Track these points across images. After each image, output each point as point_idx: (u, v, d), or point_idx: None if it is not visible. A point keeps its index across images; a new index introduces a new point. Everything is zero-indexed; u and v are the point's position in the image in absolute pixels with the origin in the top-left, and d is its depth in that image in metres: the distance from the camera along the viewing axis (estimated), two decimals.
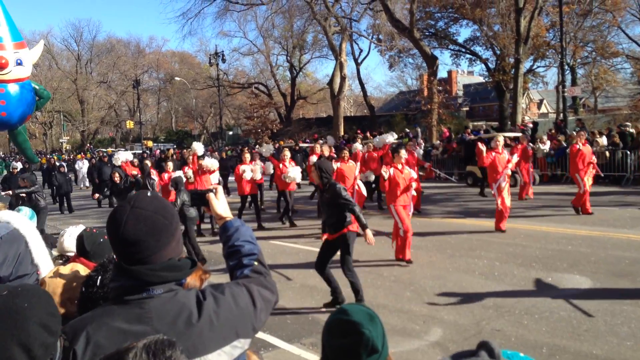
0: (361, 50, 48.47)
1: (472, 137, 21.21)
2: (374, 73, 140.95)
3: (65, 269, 3.14)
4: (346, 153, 12.10)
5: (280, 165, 13.66)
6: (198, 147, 12.76)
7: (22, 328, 1.46)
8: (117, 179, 12.26)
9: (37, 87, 20.95)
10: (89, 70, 71.00)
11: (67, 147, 63.38)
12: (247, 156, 13.75)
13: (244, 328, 1.78)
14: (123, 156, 15.93)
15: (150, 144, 50.76)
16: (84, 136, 69.28)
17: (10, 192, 12.42)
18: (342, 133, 36.18)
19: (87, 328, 1.63)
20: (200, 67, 63.85)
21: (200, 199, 2.23)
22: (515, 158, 11.98)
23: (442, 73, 47.71)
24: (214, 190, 2.23)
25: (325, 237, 7.33)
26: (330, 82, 39.00)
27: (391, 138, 14.39)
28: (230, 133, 59.16)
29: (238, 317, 1.76)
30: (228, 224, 2.11)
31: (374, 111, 48.86)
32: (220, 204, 2.20)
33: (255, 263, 1.99)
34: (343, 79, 37.24)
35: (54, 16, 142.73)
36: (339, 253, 6.79)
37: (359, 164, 12.89)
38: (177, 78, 60.72)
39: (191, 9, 41.28)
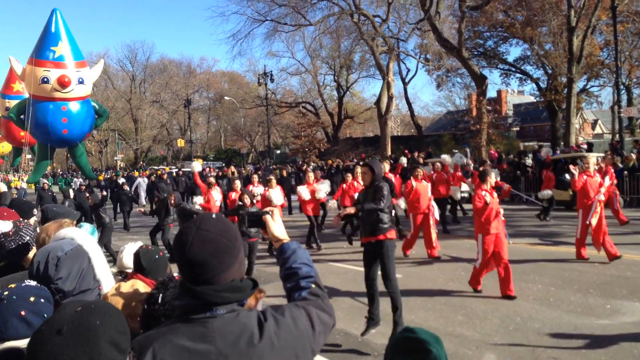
0: (408, 70, 48.42)
1: (548, 156, 19.17)
2: (421, 92, 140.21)
3: (126, 286, 3.22)
4: (420, 172, 11.52)
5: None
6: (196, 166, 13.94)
7: (94, 345, 1.50)
8: (172, 201, 12.08)
9: (96, 105, 21.45)
10: (142, 90, 73.23)
11: (122, 165, 65.21)
12: (311, 175, 13.51)
13: (303, 350, 1.80)
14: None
15: (200, 161, 51.70)
16: (137, 154, 71.20)
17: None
18: (389, 153, 36.06)
19: (154, 344, 1.68)
20: (249, 87, 64.99)
21: (257, 220, 2.25)
22: (608, 181, 10.64)
23: (491, 92, 47.19)
24: (271, 212, 2.25)
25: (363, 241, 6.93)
26: (378, 102, 39.02)
27: (462, 159, 14.00)
28: (278, 152, 59.79)
29: (297, 339, 1.79)
30: (285, 246, 2.13)
31: (421, 131, 48.59)
32: (277, 226, 2.21)
33: (313, 285, 2.00)
34: (390, 98, 37.21)
35: (111, 38, 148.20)
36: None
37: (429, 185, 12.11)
38: (226, 97, 61.88)
39: (241, 30, 42.33)
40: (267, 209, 2.27)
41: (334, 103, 57.06)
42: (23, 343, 2.06)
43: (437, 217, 11.71)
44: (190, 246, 1.73)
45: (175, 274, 2.43)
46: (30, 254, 3.37)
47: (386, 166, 13.43)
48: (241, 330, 1.72)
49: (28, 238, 3.34)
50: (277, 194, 12.43)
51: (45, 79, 19.05)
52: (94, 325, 1.52)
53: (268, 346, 1.71)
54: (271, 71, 45.53)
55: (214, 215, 1.85)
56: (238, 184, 12.75)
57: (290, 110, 59.05)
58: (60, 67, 19.33)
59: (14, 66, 19.96)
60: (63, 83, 18.91)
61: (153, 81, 73.07)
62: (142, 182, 30.09)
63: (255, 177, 13.63)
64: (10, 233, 3.25)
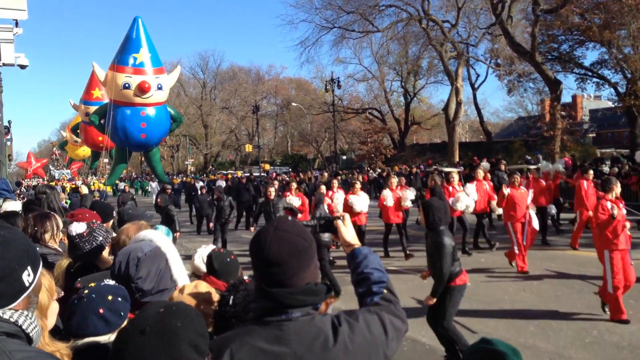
0: (478, 75, 47.45)
1: None
2: (491, 98, 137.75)
3: (190, 287, 3.31)
4: (517, 178, 10.82)
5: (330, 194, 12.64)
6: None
7: (175, 346, 1.54)
8: (271, 194, 11.42)
9: (172, 111, 21.97)
10: (212, 97, 75.24)
11: (192, 169, 67.17)
12: (394, 181, 12.71)
13: (376, 356, 1.80)
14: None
15: (267, 167, 52.58)
16: (207, 159, 73.15)
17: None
18: (457, 159, 35.44)
19: (231, 346, 1.73)
20: (316, 93, 65.49)
21: (328, 225, 2.27)
22: None
23: (566, 98, 45.58)
24: (342, 217, 2.26)
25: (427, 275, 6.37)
26: (446, 108, 38.45)
27: (561, 166, 13.07)
28: (344, 157, 59.87)
29: (371, 344, 1.80)
30: (356, 251, 2.14)
31: (490, 137, 47.51)
32: (348, 231, 2.22)
33: (385, 291, 2.00)
34: (459, 104, 36.58)
35: (184, 47, 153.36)
36: None
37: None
38: (293, 104, 62.64)
39: (309, 37, 42.48)
40: (338, 214, 2.29)
41: (400, 109, 56.68)
42: (103, 338, 2.18)
43: (537, 227, 10.81)
44: (269, 246, 1.77)
45: (246, 277, 2.49)
46: (104, 254, 3.53)
47: (455, 177, 12.88)
48: (316, 334, 1.74)
49: (101, 239, 3.50)
50: (359, 200, 11.98)
51: (127, 85, 19.70)
52: (175, 326, 1.57)
53: (342, 350, 1.73)
54: (338, 77, 45.70)
55: (290, 218, 1.89)
56: (324, 188, 12.47)
57: (356, 117, 59.07)
58: (140, 73, 20.00)
59: (97, 72, 20.66)
60: (143, 89, 19.56)
61: (223, 88, 74.98)
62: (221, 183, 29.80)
63: (335, 183, 13.17)
64: (85, 234, 3.40)
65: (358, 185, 12.48)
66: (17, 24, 12.83)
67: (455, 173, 13.32)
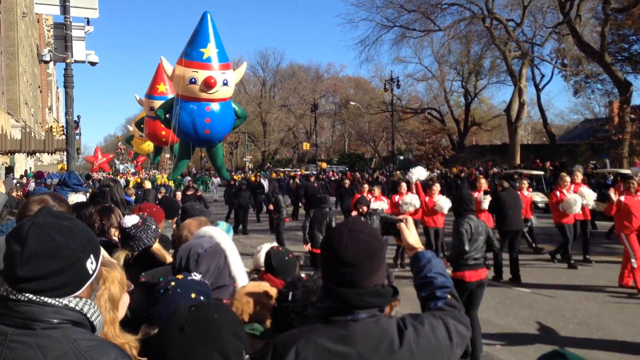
0: (543, 76, 45.99)
1: None
2: (555, 99, 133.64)
3: (249, 287, 3.34)
4: (634, 183, 9.54)
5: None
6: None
7: (218, 337, 1.59)
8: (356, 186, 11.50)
9: (236, 107, 21.83)
10: (272, 95, 76.14)
11: (250, 166, 68.19)
12: (483, 182, 11.94)
13: None
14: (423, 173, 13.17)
15: (324, 165, 52.74)
16: (265, 156, 74.08)
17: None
18: (518, 162, 34.54)
19: (297, 343, 1.75)
20: (375, 92, 65.17)
21: (391, 227, 2.26)
22: None
23: (636, 100, 43.72)
24: (405, 220, 2.24)
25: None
26: (508, 109, 37.51)
27: None
28: (402, 158, 59.36)
29: (436, 349, 1.78)
30: (420, 255, 2.12)
31: (554, 139, 46.03)
32: (412, 234, 2.20)
33: (449, 296, 1.98)
34: (522, 105, 35.61)
35: (245, 45, 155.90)
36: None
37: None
38: (352, 102, 62.57)
39: (369, 36, 42.37)
40: (401, 216, 2.27)
41: (460, 109, 55.69)
42: None
43: None
44: (346, 247, 1.77)
45: (303, 275, 2.52)
46: (156, 245, 3.62)
47: (525, 184, 12.19)
48: (382, 336, 1.74)
49: (154, 227, 3.59)
50: (446, 201, 11.17)
51: (193, 80, 19.77)
52: (212, 319, 1.62)
53: (407, 353, 1.73)
54: (397, 77, 45.39)
55: (362, 218, 1.90)
56: (404, 186, 11.79)
57: (415, 117, 58.45)
58: (207, 68, 19.97)
59: (165, 66, 20.76)
60: (209, 84, 19.60)
61: (282, 86, 75.73)
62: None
63: (404, 185, 11.92)
64: (139, 224, 3.50)
65: (436, 188, 11.72)
66: (88, 22, 13.36)
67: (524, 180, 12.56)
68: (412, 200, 11.36)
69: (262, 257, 3.60)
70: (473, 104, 53.68)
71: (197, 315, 1.62)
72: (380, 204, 10.90)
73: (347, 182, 19.62)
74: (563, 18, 30.28)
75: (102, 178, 39.78)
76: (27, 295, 1.52)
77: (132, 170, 56.58)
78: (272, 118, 71.98)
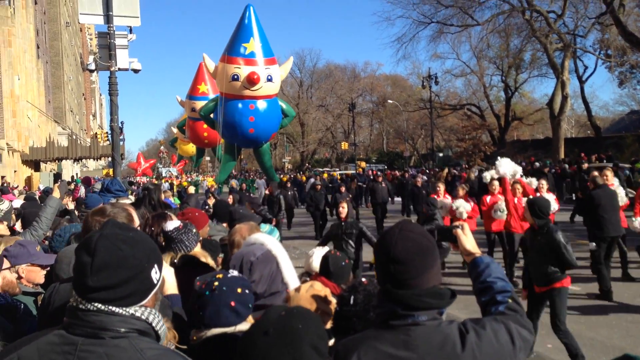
0: (586, 67, 44.61)
1: None
2: (600, 91, 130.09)
3: (305, 287, 3.37)
4: None
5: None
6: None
7: (297, 348, 1.60)
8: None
9: (283, 105, 20.61)
10: (309, 95, 76.27)
11: (289, 167, 68.50)
12: (544, 183, 10.58)
13: None
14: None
15: (363, 164, 52.59)
16: (303, 156, 74.32)
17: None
18: (562, 156, 33.76)
19: (359, 349, 1.77)
20: (412, 90, 64.62)
21: (447, 234, 2.24)
22: None
23: None
24: (461, 226, 2.23)
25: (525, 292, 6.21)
26: (550, 102, 36.71)
27: None
28: (441, 155, 58.77)
29: (498, 353, 1.78)
30: (478, 260, 2.11)
31: (599, 132, 44.73)
32: (469, 240, 2.19)
33: (510, 300, 1.96)
34: (565, 98, 34.79)
35: (282, 47, 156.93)
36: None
37: None
38: (389, 101, 62.24)
39: (406, 33, 42.03)
40: (457, 223, 2.26)
41: (500, 104, 54.68)
42: (230, 329, 2.27)
43: None
44: (395, 245, 1.81)
45: (364, 279, 2.53)
46: (198, 249, 3.67)
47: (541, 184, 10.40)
48: (443, 340, 1.74)
49: (195, 231, 3.65)
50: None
51: (235, 76, 18.61)
52: (297, 328, 1.63)
53: (470, 358, 1.72)
54: (435, 73, 44.82)
55: (412, 220, 1.93)
56: (496, 185, 10.04)
57: (454, 113, 57.71)
58: (250, 64, 18.82)
59: (207, 63, 19.80)
60: (252, 80, 18.43)
61: (319, 86, 75.79)
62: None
63: (496, 184, 10.13)
64: (181, 227, 3.56)
65: (496, 185, 10.29)
66: (131, 31, 13.63)
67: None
68: (461, 205, 10.27)
69: (314, 261, 3.63)
70: (514, 98, 52.64)
71: (283, 321, 1.65)
72: (464, 204, 10.10)
73: (419, 179, 18.18)
74: (606, 8, 29.45)
75: (144, 182, 40.57)
76: (95, 304, 1.57)
77: (175, 173, 57.58)
78: (310, 118, 72.14)
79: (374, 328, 1.86)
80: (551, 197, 9.59)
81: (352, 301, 2.41)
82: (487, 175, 10.73)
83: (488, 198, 10.11)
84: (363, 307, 2.37)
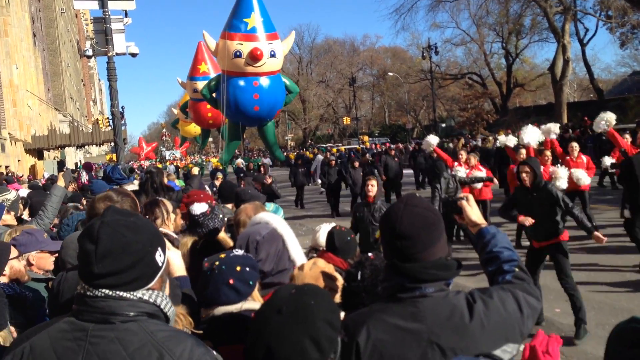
0: (587, 30, 44.01)
1: None
2: (601, 53, 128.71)
3: (309, 265, 3.40)
4: None
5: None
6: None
7: (312, 323, 1.60)
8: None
9: (287, 81, 19.79)
10: (309, 71, 75.85)
11: (292, 144, 68.39)
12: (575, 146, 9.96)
13: (512, 333, 1.80)
14: (434, 140, 11.63)
15: (366, 138, 52.48)
16: (306, 133, 74.18)
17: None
18: (565, 121, 33.59)
19: (368, 323, 1.79)
20: (412, 61, 64.20)
21: (452, 206, 2.25)
22: None
23: None
24: (466, 198, 2.23)
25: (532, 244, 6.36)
26: (552, 67, 36.44)
27: None
28: (444, 125, 58.56)
29: (506, 321, 1.79)
30: (484, 231, 2.12)
31: (602, 95, 44.42)
32: (474, 211, 2.20)
33: (516, 269, 1.97)
34: (566, 62, 34.53)
35: (279, 23, 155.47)
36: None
37: None
38: (390, 73, 61.84)
39: (404, 4, 41.79)
40: (462, 194, 2.27)
41: (502, 72, 54.25)
42: (235, 307, 2.31)
43: None
44: (401, 220, 1.82)
45: (370, 254, 2.54)
46: (222, 234, 3.71)
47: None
48: (451, 311, 1.76)
49: (221, 216, 3.69)
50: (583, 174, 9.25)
51: (238, 53, 18.08)
52: (309, 304, 1.64)
53: (479, 327, 1.74)
54: (435, 43, 44.45)
55: (417, 194, 1.93)
56: (524, 152, 9.62)
57: (455, 82, 57.36)
58: (252, 39, 18.26)
59: (207, 41, 19.17)
60: (255, 56, 17.90)
61: (319, 62, 75.34)
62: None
63: (523, 152, 9.73)
64: (208, 212, 3.60)
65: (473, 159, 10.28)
66: (126, 14, 13.57)
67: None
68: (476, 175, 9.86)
69: (321, 237, 3.66)
70: (515, 64, 52.19)
71: (295, 299, 1.65)
72: (479, 173, 9.77)
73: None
74: None
75: (149, 167, 40.51)
76: (103, 290, 1.58)
77: (178, 156, 57.64)
78: (311, 95, 71.84)
79: (382, 301, 1.88)
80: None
81: (359, 276, 2.42)
82: (510, 143, 10.54)
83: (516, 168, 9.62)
84: (371, 282, 2.39)
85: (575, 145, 10.01)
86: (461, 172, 9.57)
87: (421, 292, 1.78)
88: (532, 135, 9.29)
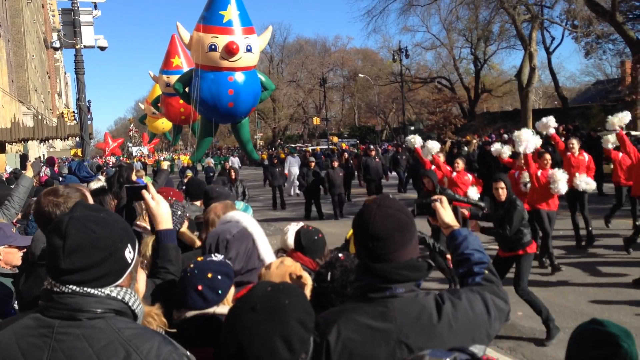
0: (553, 38, 44.94)
1: None
2: (567, 62, 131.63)
3: (276, 264, 3.40)
4: None
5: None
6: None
7: (285, 322, 1.61)
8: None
9: (262, 77, 19.16)
10: (280, 70, 75.62)
11: (261, 143, 68.04)
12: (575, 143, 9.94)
13: (479, 334, 1.84)
14: (418, 141, 10.83)
15: (335, 139, 52.58)
16: (275, 132, 73.94)
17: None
18: (530, 127, 34.22)
19: (338, 322, 1.81)
20: (383, 63, 64.55)
21: (425, 208, 2.28)
22: None
23: None
24: (439, 200, 2.26)
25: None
26: (518, 74, 37.05)
27: None
28: (412, 128, 59.03)
29: (474, 322, 1.83)
30: (456, 233, 2.16)
31: (566, 103, 45.43)
32: (447, 213, 2.24)
33: (486, 271, 2.01)
34: (532, 69, 35.15)
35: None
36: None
37: None
38: (360, 75, 62.10)
39: (376, 6, 41.94)
40: (435, 196, 2.30)
41: (470, 77, 55.06)
42: (208, 310, 2.30)
43: None
44: (373, 221, 1.83)
45: (341, 255, 2.55)
46: (183, 228, 3.67)
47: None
48: (420, 311, 1.79)
49: (180, 213, 3.65)
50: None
51: (213, 46, 17.42)
52: (284, 304, 1.64)
53: (446, 327, 1.78)
54: (406, 47, 44.86)
55: (390, 196, 1.95)
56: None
57: (424, 86, 57.92)
58: (228, 33, 17.51)
59: (181, 33, 18.59)
60: (231, 50, 17.19)
61: (290, 61, 75.13)
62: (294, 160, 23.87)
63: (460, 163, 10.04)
64: None
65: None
66: (95, 7, 13.36)
67: None
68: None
69: (290, 238, 3.65)
70: (483, 70, 53.04)
71: (270, 297, 1.66)
72: (472, 194, 9.10)
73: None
74: None
75: (117, 162, 39.76)
76: (70, 287, 1.56)
77: (146, 152, 56.77)
78: (281, 94, 71.55)
79: (353, 301, 1.90)
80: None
81: (329, 277, 2.43)
82: (505, 154, 10.32)
83: (516, 173, 9.42)
84: (340, 282, 2.39)
85: (575, 141, 9.89)
86: (472, 192, 9.19)
87: (391, 293, 1.80)
88: (530, 141, 8.57)
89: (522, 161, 9.07)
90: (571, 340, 1.88)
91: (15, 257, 3.45)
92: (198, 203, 5.25)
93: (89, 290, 1.57)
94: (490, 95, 56.36)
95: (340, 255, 2.55)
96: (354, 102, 75.36)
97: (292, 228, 3.70)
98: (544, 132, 9.72)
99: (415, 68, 59.41)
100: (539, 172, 8.66)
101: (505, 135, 26.19)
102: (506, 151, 10.35)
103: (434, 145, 10.29)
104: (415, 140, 10.67)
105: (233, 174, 12.41)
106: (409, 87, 55.39)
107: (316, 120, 63.13)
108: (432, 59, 60.64)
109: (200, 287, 2.27)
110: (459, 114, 50.92)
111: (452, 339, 1.76)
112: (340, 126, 77.60)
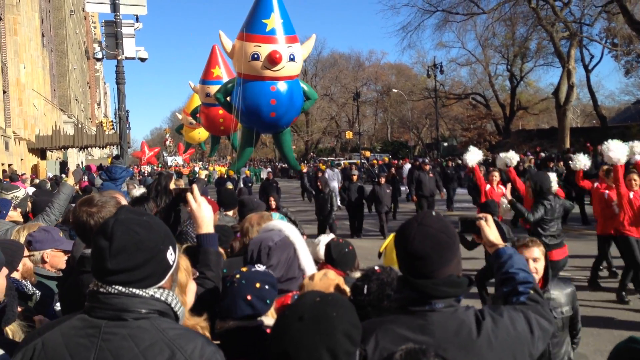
0: (592, 56, 44.21)
1: None
2: (606, 80, 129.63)
3: (319, 275, 3.41)
4: None
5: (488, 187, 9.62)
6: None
7: (331, 335, 1.61)
8: None
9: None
10: (314, 84, 75.93)
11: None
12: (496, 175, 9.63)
13: (521, 353, 1.82)
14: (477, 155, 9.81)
15: (368, 153, 52.48)
16: (308, 145, 74.19)
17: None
18: (567, 145, 33.65)
19: (377, 332, 1.83)
20: (417, 79, 64.36)
21: (470, 226, 2.27)
22: None
23: None
24: (484, 218, 2.26)
25: None
26: (556, 92, 36.51)
27: None
28: (446, 144, 58.63)
29: (515, 340, 1.81)
30: (501, 251, 2.14)
31: (605, 122, 44.53)
32: (492, 231, 2.22)
33: (531, 291, 1.99)
34: (571, 87, 34.59)
35: None
36: None
37: None
38: (394, 90, 61.96)
39: (411, 22, 42.08)
40: (480, 214, 2.29)
41: (505, 94, 54.40)
42: (250, 323, 2.31)
43: None
44: (412, 240, 1.84)
45: (377, 267, 2.56)
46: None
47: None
48: (459, 326, 1.79)
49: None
50: None
51: (256, 55, 17.06)
52: (331, 316, 1.64)
53: (486, 343, 1.76)
54: (440, 62, 44.61)
55: (434, 213, 1.94)
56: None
57: (459, 102, 57.49)
58: (271, 42, 17.23)
59: (224, 42, 18.33)
60: (274, 59, 16.90)
61: (324, 75, 75.47)
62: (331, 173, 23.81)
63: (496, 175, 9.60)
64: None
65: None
66: (137, 19, 13.70)
67: None
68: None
69: (321, 249, 3.66)
70: (519, 87, 52.37)
71: (318, 308, 1.66)
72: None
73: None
74: None
75: (152, 171, 40.20)
76: (116, 287, 1.61)
77: (181, 162, 57.53)
78: (315, 107, 71.76)
79: (392, 313, 1.91)
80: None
81: (365, 290, 2.43)
82: (586, 163, 8.99)
83: (606, 193, 8.28)
84: (377, 296, 2.39)
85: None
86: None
87: (431, 307, 1.81)
88: (618, 151, 7.42)
89: (604, 175, 8.20)
90: (610, 358, 1.86)
91: (61, 260, 3.55)
92: (230, 213, 5.30)
93: (134, 290, 1.62)
94: (526, 113, 55.57)
95: (376, 268, 2.55)
96: (386, 116, 75.19)
97: (323, 240, 3.71)
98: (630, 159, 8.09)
99: (450, 84, 59.07)
100: (631, 194, 7.63)
101: (542, 154, 25.80)
102: (586, 163, 8.96)
103: (513, 156, 9.32)
104: (512, 158, 9.36)
105: (273, 203, 11.00)
106: (442, 102, 55.02)
107: (349, 134, 63.17)
108: (466, 75, 60.25)
109: (249, 297, 2.30)
110: (493, 130, 50.34)
111: (491, 356, 1.76)
112: (372, 140, 77.44)
